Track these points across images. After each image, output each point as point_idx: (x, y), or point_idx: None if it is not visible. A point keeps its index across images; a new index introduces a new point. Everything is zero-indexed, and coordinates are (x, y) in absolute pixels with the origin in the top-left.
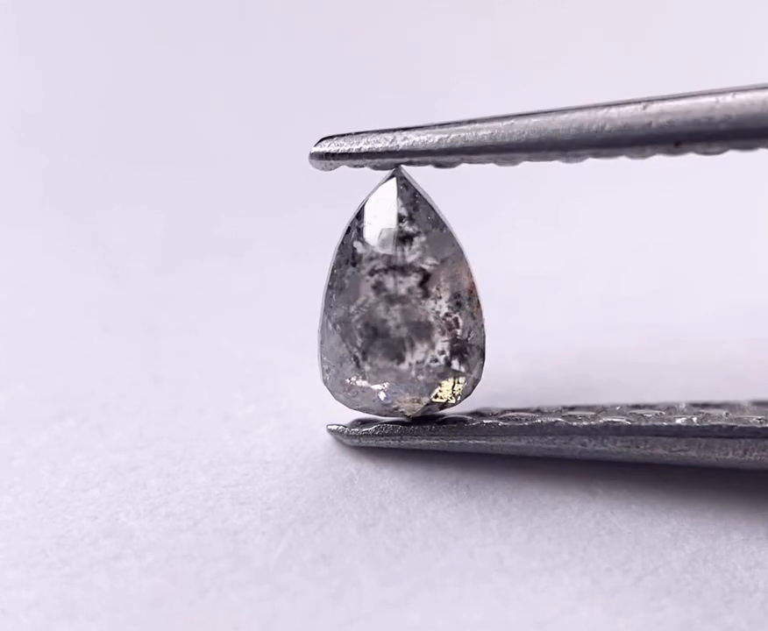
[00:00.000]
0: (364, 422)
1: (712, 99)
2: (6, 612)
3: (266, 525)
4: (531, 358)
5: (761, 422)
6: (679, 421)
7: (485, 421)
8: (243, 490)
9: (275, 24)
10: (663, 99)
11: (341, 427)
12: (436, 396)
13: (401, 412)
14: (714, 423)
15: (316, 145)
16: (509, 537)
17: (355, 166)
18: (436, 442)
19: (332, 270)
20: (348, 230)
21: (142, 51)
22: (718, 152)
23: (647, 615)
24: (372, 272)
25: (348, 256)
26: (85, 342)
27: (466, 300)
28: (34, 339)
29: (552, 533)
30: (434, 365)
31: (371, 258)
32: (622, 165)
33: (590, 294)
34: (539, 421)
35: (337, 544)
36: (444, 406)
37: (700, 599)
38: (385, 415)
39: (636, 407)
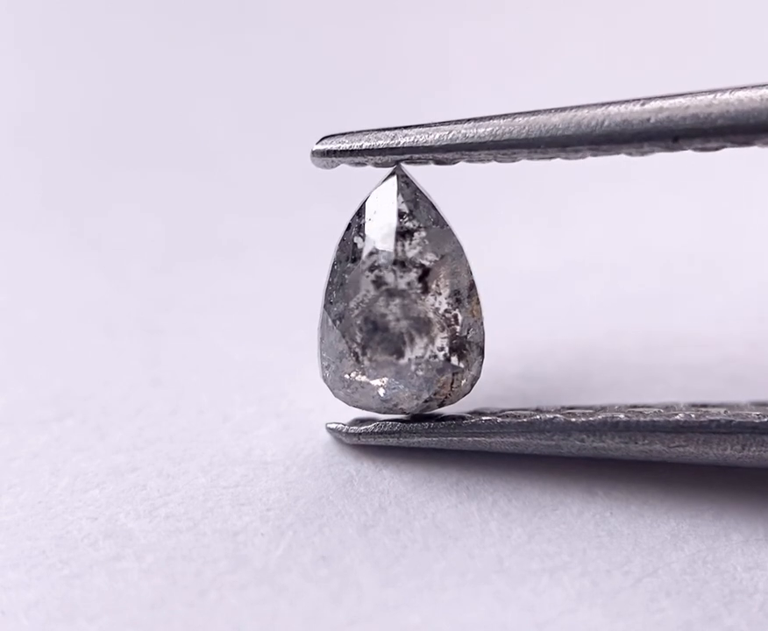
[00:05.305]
0: (363, 421)
1: (710, 95)
2: (6, 612)
3: (265, 526)
4: (531, 359)
5: (759, 417)
6: (677, 416)
7: (483, 419)
8: (243, 491)
9: (274, 24)
10: (661, 97)
11: (340, 425)
12: (435, 393)
13: (401, 409)
14: (713, 418)
15: (317, 143)
16: (509, 539)
17: (356, 164)
18: (434, 439)
19: (333, 266)
20: (349, 227)
21: (140, 51)
22: (716, 148)
23: (647, 617)
24: (372, 268)
25: (348, 252)
26: (85, 343)
27: (466, 297)
28: (34, 341)
29: (552, 534)
30: (433, 360)
31: (371, 254)
32: (622, 165)
33: (590, 294)
34: (537, 417)
35: (337, 545)
36: (442, 403)
37: (700, 601)
38: (384, 413)
39: (635, 407)
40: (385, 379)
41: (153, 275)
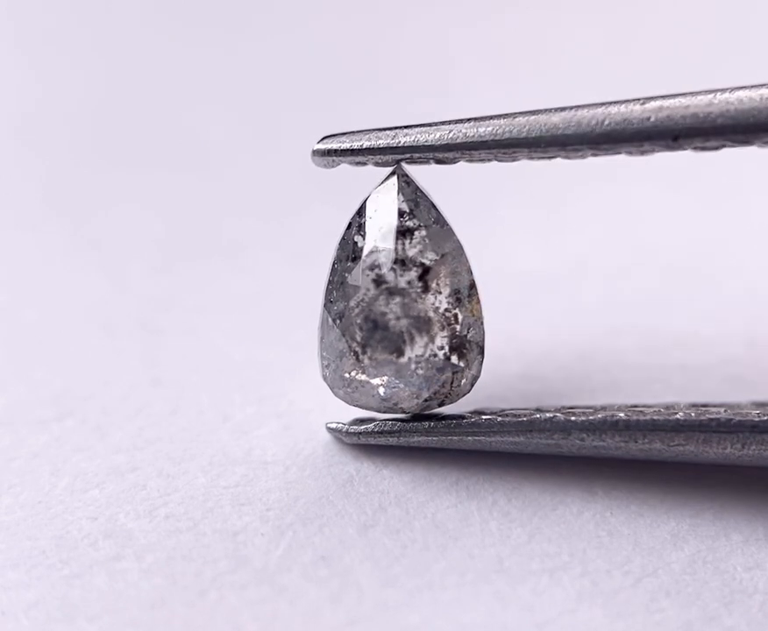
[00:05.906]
0: (363, 420)
1: (710, 95)
2: (6, 613)
3: (265, 526)
4: (531, 359)
5: (759, 416)
6: (677, 415)
7: (483, 418)
8: (243, 491)
9: (274, 24)
10: (662, 97)
11: (340, 425)
12: (435, 392)
13: (400, 408)
14: (713, 417)
15: (318, 143)
16: (509, 538)
17: (357, 164)
18: (434, 439)
19: (333, 265)
20: (349, 226)
21: (141, 51)
22: (716, 148)
23: (646, 617)
24: (372, 267)
25: (349, 251)
26: (85, 343)
27: (466, 296)
28: (34, 341)
29: (552, 534)
30: (433, 359)
31: (371, 252)
32: (622, 165)
33: (590, 294)
34: (537, 416)
35: (337, 545)
36: (442, 402)
37: (700, 601)
38: (384, 412)
39: (635, 407)
40: (385, 378)
41: (153, 275)
